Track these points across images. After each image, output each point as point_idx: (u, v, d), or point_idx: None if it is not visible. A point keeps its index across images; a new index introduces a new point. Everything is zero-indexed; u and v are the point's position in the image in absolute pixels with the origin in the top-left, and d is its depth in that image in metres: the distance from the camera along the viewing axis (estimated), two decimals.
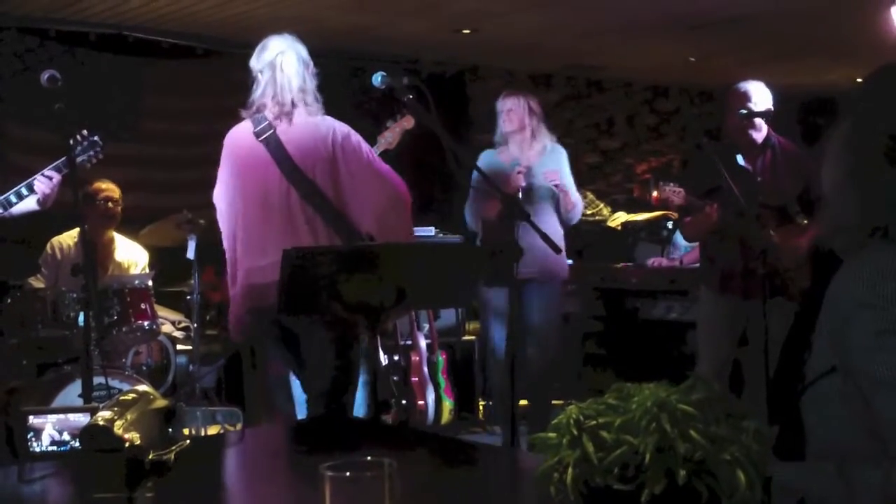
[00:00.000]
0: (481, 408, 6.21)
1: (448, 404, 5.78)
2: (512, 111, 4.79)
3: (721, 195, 4.16)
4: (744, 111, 4.26)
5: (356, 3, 6.12)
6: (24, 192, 3.74)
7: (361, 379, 3.66)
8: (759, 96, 4.31)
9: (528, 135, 4.78)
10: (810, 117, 9.72)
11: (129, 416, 1.32)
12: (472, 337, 6.36)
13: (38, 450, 1.64)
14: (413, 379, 5.56)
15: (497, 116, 4.87)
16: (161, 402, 1.41)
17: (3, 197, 3.74)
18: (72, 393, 4.37)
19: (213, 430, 5.15)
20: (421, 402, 5.60)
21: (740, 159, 4.31)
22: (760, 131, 4.32)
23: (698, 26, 7.16)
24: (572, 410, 1.17)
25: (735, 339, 4.40)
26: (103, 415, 1.31)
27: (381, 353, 5.15)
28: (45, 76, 3.50)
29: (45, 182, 3.75)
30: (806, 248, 4.24)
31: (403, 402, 5.56)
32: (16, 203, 3.74)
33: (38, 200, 3.78)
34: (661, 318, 5.96)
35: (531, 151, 4.76)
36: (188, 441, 1.42)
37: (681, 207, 4.38)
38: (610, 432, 1.12)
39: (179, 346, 5.49)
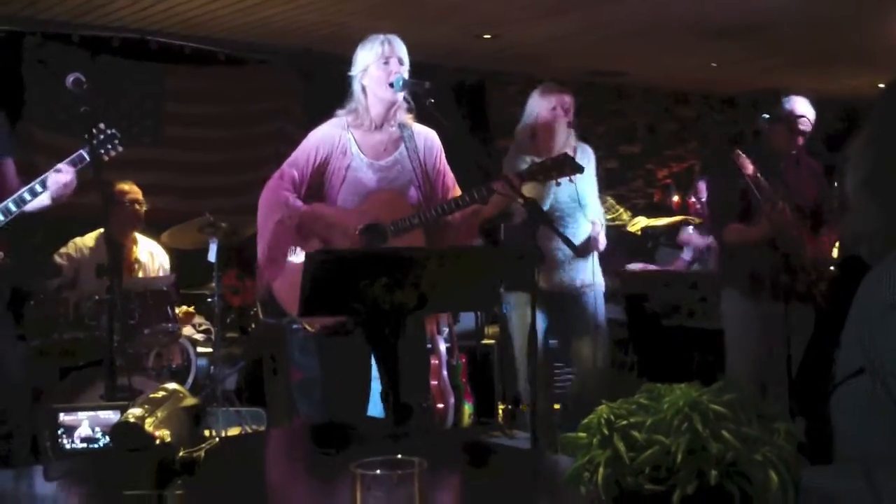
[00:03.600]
0: (500, 412, 6.21)
1: (467, 408, 5.78)
2: (558, 108, 4.46)
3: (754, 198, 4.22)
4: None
5: (378, 9, 6.14)
6: (38, 188, 3.69)
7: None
8: (803, 107, 4.40)
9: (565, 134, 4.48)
10: (832, 124, 9.67)
11: (159, 414, 1.33)
12: (492, 341, 6.35)
13: (68, 447, 1.65)
14: (432, 383, 5.55)
15: (533, 111, 4.52)
16: (191, 401, 1.42)
17: (16, 195, 3.70)
18: (94, 395, 4.41)
19: (233, 432, 5.17)
20: (440, 406, 5.60)
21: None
22: (798, 139, 4.39)
23: (720, 33, 7.14)
24: (603, 410, 1.16)
25: (764, 348, 4.40)
26: (134, 412, 1.32)
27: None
28: (70, 79, 3.52)
29: (57, 176, 3.72)
30: (829, 249, 4.33)
31: (424, 405, 5.56)
32: (30, 200, 3.68)
33: (52, 196, 3.69)
34: (681, 324, 5.94)
35: (567, 151, 4.36)
36: (217, 439, 1.43)
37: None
38: (641, 432, 1.12)
39: (200, 349, 5.51)
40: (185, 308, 5.36)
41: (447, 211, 3.42)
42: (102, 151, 3.96)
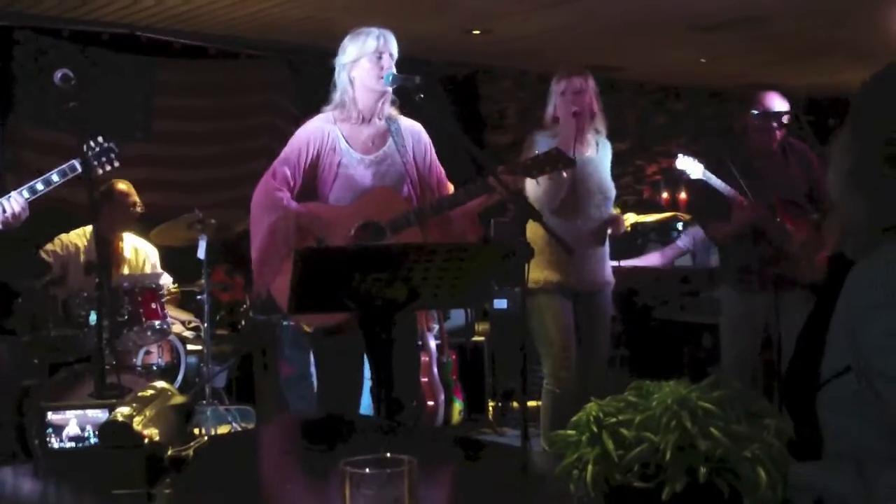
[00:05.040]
0: (491, 409, 6.21)
1: (458, 405, 5.78)
2: (580, 94, 4.08)
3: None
4: (755, 111, 4.40)
5: (367, 4, 6.12)
6: None
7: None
8: (777, 103, 4.43)
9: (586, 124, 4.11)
10: (822, 118, 9.70)
11: (147, 413, 1.32)
12: (482, 338, 6.36)
13: (56, 446, 1.64)
14: (423, 380, 5.55)
15: (551, 99, 4.13)
16: (179, 399, 1.41)
17: None
18: (84, 392, 4.39)
19: (223, 430, 5.15)
20: (431, 403, 5.60)
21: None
22: (777, 134, 4.41)
23: (710, 27, 7.15)
24: (592, 408, 1.16)
25: (757, 337, 4.45)
26: (122, 411, 1.31)
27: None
28: (58, 75, 3.50)
29: (6, 204, 3.58)
30: (814, 235, 4.39)
31: (413, 402, 5.56)
32: None
33: (1, 222, 3.58)
34: (671, 318, 5.96)
35: (586, 145, 4.18)
36: (206, 438, 1.42)
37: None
38: (630, 430, 1.12)
39: (189, 346, 5.49)
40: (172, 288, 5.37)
41: (444, 207, 3.41)
42: (96, 164, 3.94)
